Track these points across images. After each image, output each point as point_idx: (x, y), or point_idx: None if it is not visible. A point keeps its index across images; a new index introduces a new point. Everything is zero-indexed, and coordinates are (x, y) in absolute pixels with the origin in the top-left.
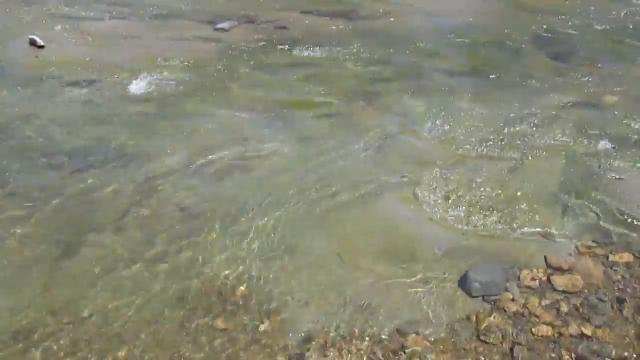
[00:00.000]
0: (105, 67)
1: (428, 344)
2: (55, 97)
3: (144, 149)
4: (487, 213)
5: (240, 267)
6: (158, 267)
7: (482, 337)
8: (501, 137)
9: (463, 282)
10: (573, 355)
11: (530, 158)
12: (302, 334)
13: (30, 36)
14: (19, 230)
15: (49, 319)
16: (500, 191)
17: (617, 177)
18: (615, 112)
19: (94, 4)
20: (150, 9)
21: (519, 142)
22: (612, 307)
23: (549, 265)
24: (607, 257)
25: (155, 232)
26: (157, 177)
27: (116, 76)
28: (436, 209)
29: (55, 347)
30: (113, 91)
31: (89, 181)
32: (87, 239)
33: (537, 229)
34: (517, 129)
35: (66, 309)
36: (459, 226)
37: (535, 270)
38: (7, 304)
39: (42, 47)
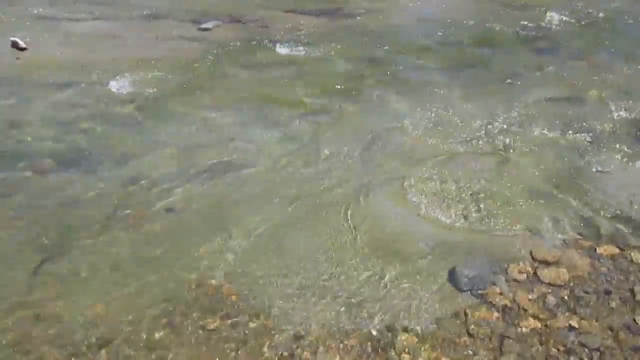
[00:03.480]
0: (88, 69)
1: (417, 339)
2: (38, 99)
3: (129, 150)
4: (473, 208)
5: (229, 267)
6: (145, 268)
7: (471, 331)
8: (487, 133)
9: (451, 277)
10: (561, 347)
11: (516, 153)
12: (292, 332)
13: (11, 38)
14: (2, 234)
15: (34, 323)
16: (486, 186)
17: (602, 170)
18: (600, 106)
19: (77, 5)
20: (134, 9)
21: (504, 138)
22: (598, 299)
23: (535, 259)
24: (594, 250)
25: (141, 233)
26: (143, 178)
27: (100, 77)
28: (423, 205)
29: (41, 352)
30: (97, 92)
31: (73, 183)
32: (72, 242)
33: (524, 223)
34: (503, 124)
35: (52, 312)
36: (447, 222)
37: (522, 264)
38: None
39: (24, 49)
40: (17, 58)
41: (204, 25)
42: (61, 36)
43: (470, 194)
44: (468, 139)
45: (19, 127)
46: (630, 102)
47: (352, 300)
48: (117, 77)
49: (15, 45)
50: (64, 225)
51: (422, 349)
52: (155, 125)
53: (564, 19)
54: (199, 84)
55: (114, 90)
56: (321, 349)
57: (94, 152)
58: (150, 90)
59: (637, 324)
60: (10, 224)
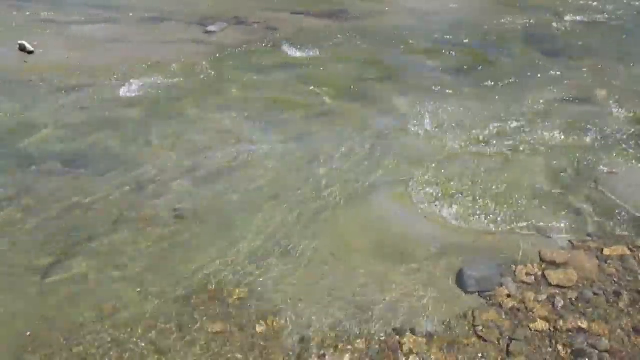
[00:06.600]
0: (95, 72)
1: (425, 341)
2: (46, 102)
3: (137, 153)
4: (480, 209)
5: (236, 269)
6: (153, 270)
7: (479, 333)
8: (493, 133)
9: (458, 279)
10: (569, 349)
11: (522, 153)
12: (299, 335)
13: (19, 42)
14: (11, 237)
15: (44, 326)
16: (493, 187)
17: (610, 171)
18: (607, 106)
19: (83, 8)
20: (139, 12)
21: (510, 138)
22: (607, 300)
23: (543, 260)
24: (602, 251)
25: (149, 235)
26: (151, 181)
27: (107, 80)
28: (430, 206)
29: (50, 354)
30: (104, 95)
31: (82, 186)
32: (80, 245)
33: (531, 224)
34: (509, 124)
35: (61, 315)
36: (453, 223)
37: (530, 266)
38: (1, 311)
39: (31, 52)
40: (25, 61)
41: (210, 28)
42: (68, 39)
43: (477, 195)
44: (474, 139)
45: (26, 130)
46: (638, 102)
47: (359, 302)
48: (124, 80)
49: (22, 48)
50: (72, 229)
51: (430, 350)
52: (163, 128)
53: (571, 19)
54: (206, 86)
55: (121, 92)
56: (329, 351)
57: (101, 155)
58: (158, 93)
59: None
60: (19, 227)
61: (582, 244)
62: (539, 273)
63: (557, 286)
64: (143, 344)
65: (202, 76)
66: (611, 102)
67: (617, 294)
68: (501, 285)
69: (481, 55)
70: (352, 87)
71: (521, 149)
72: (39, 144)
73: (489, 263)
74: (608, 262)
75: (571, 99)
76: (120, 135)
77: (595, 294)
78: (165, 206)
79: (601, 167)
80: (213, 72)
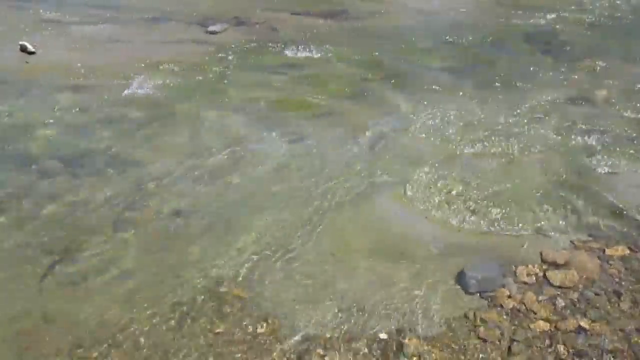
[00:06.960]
0: (96, 72)
1: (426, 342)
2: (47, 103)
3: (138, 153)
4: (481, 210)
5: (237, 270)
6: (153, 271)
7: (480, 334)
8: (493, 134)
9: (459, 279)
10: (571, 349)
11: (523, 154)
12: (300, 336)
13: (20, 42)
14: (12, 237)
15: (44, 325)
16: (493, 188)
17: (611, 171)
18: (607, 107)
19: (83, 9)
20: (140, 12)
21: (511, 139)
22: (609, 300)
23: (544, 261)
24: (603, 251)
25: (149, 236)
26: (152, 181)
27: (108, 80)
28: (430, 207)
29: (50, 354)
30: (105, 95)
31: (82, 186)
32: (81, 245)
33: (532, 225)
34: (509, 125)
35: (61, 315)
36: (454, 223)
37: (531, 266)
38: (1, 311)
39: (32, 53)
40: (26, 62)
41: (211, 28)
42: (69, 40)
43: (478, 195)
44: (475, 139)
45: (27, 130)
46: (638, 102)
47: (360, 302)
48: (125, 80)
49: (24, 49)
50: (72, 228)
51: (431, 352)
52: (164, 128)
53: (571, 19)
54: (207, 87)
55: (122, 93)
56: (329, 352)
57: (102, 155)
58: (158, 93)
59: None
60: (19, 227)
61: (584, 244)
62: (540, 273)
63: (559, 286)
64: (143, 344)
65: (202, 76)
66: (611, 102)
67: (619, 294)
68: (502, 285)
69: (481, 55)
70: (352, 87)
71: (522, 149)
72: (39, 144)
73: (490, 263)
74: (610, 262)
75: (571, 99)
76: (120, 135)
77: (596, 294)
78: (165, 206)
79: (601, 167)
80: (214, 73)
